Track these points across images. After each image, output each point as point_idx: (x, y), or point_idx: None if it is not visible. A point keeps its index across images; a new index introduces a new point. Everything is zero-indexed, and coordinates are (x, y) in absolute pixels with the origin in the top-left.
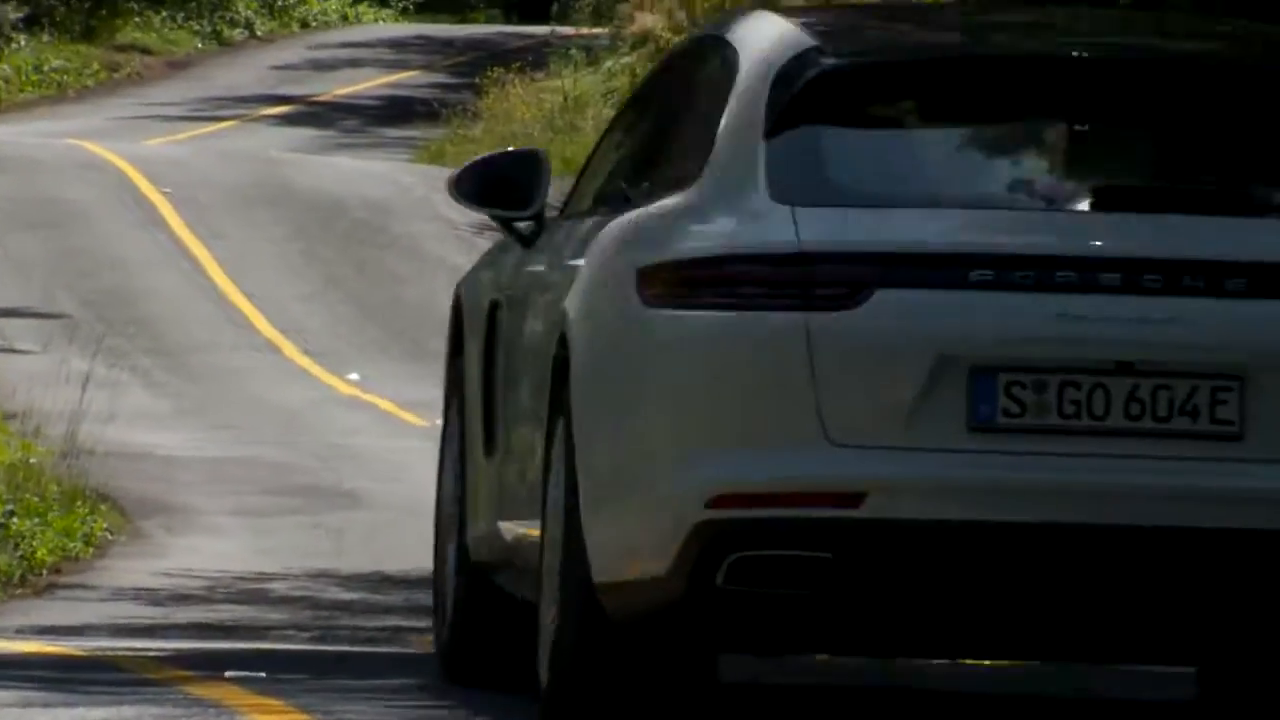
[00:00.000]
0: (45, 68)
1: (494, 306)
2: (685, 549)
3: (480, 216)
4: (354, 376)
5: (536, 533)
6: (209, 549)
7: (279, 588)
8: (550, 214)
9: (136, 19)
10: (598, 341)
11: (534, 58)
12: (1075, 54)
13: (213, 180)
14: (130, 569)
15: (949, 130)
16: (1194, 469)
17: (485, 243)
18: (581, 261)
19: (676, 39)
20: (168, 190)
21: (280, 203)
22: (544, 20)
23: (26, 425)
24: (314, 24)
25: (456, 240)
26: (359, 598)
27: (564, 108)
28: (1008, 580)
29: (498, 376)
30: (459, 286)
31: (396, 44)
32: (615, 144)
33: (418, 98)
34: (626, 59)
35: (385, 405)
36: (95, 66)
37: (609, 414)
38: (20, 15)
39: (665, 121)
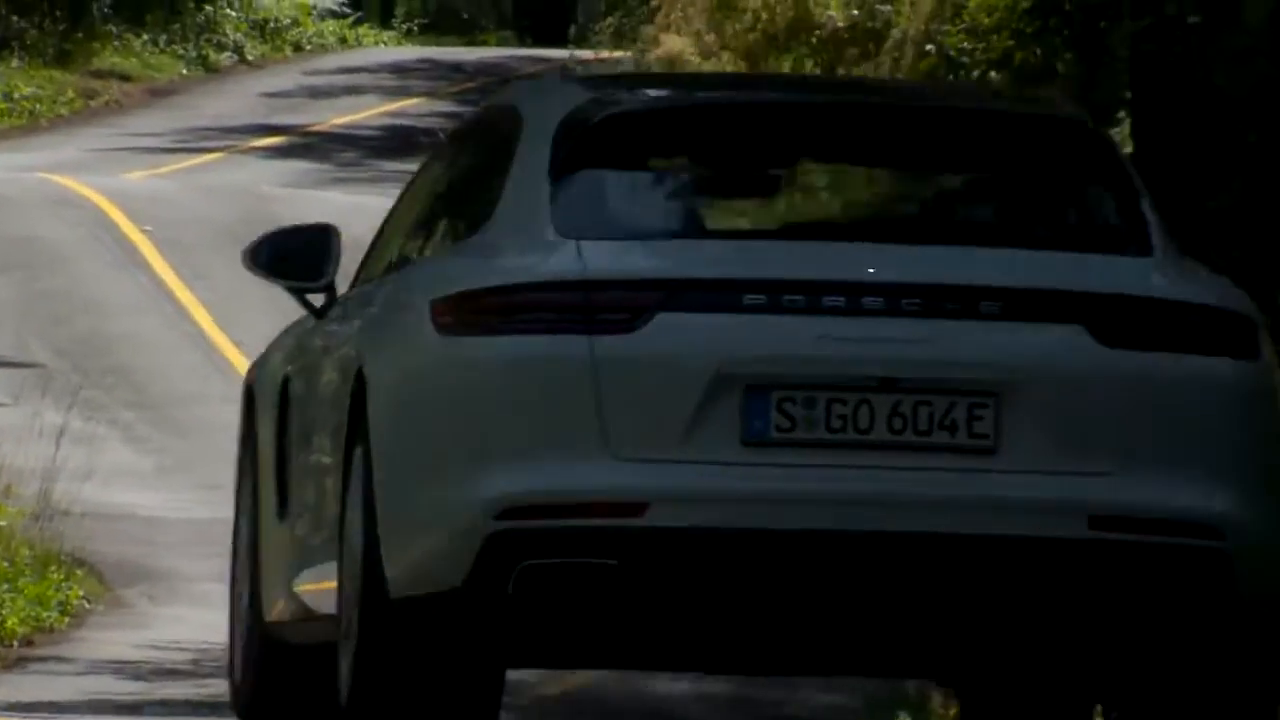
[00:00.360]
0: (15, 95)
1: (285, 380)
2: (478, 560)
3: None
4: None
5: (333, 580)
6: (195, 618)
7: None
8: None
9: (115, 43)
10: (394, 370)
11: None
12: (834, 100)
13: (198, 217)
14: (109, 640)
15: (721, 169)
16: (952, 479)
17: None
18: (375, 309)
19: (706, 64)
20: (149, 228)
21: None
22: (561, 43)
23: None
24: (309, 47)
25: None
26: None
27: None
28: (782, 586)
29: (290, 441)
30: (249, 373)
31: (399, 69)
32: (404, 215)
33: (421, 128)
34: None
35: None
36: (70, 94)
37: (405, 436)
38: None
39: (456, 185)
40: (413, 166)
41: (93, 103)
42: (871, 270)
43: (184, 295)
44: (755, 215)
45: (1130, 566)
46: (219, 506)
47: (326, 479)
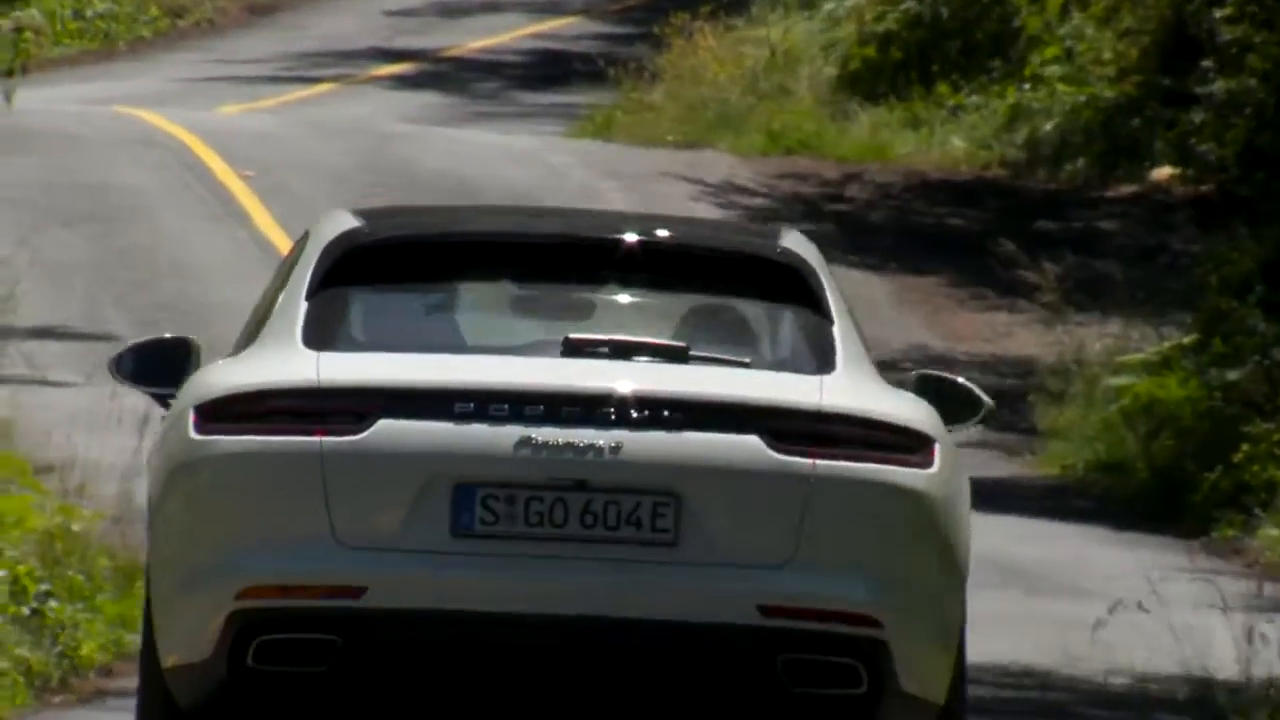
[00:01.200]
0: (88, 13)
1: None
2: (223, 634)
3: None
4: None
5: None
6: None
7: None
8: None
9: None
10: (163, 463)
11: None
12: (552, 234)
13: (308, 160)
14: None
15: (447, 292)
16: (636, 569)
17: None
18: (170, 410)
19: None
20: (249, 173)
21: (397, 190)
22: None
23: (67, 481)
24: None
25: None
26: None
27: (771, 65)
28: (481, 662)
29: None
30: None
31: None
32: (254, 308)
33: (577, 52)
34: (851, 0)
35: None
36: (153, 12)
37: (169, 526)
38: None
39: (257, 303)
40: (569, 99)
41: (180, 22)
42: (568, 382)
43: None
44: (479, 333)
45: (796, 651)
46: None
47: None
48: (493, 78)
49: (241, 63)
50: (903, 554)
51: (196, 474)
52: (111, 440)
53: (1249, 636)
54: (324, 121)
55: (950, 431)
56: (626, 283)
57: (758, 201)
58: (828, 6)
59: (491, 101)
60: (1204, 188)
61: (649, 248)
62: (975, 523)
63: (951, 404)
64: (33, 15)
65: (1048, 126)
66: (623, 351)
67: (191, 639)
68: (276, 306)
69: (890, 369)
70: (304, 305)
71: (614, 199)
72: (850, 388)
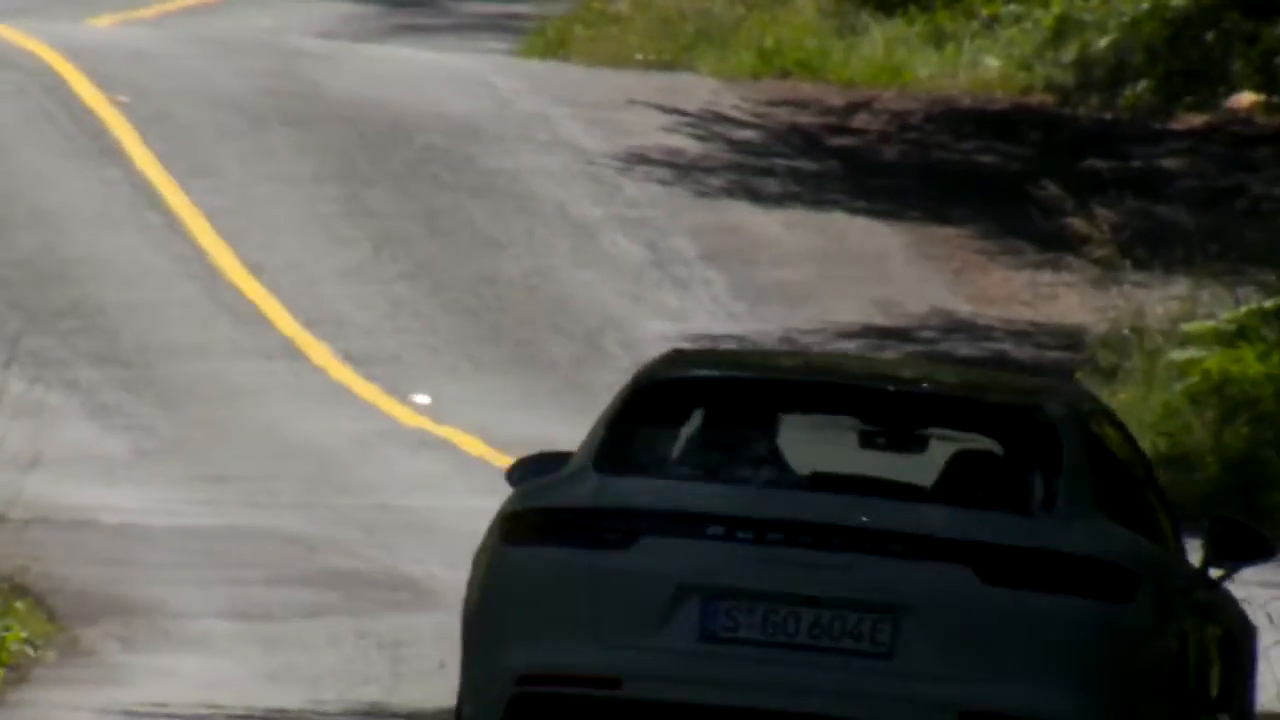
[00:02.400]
0: None
1: None
2: (505, 713)
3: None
4: (422, 399)
5: None
6: (190, 672)
7: None
8: None
9: None
10: (479, 566)
11: None
12: (819, 381)
13: (196, 84)
14: (63, 703)
15: (715, 429)
16: (855, 675)
17: (630, 182)
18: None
19: None
20: (124, 100)
21: (306, 122)
22: None
23: None
24: None
25: (588, 180)
26: None
27: None
28: None
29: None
30: None
31: None
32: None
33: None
34: None
35: (470, 444)
36: None
37: (471, 616)
38: None
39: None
40: (515, 9)
41: None
42: (805, 514)
43: (177, 200)
44: (733, 465)
45: None
46: (225, 510)
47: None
48: None
49: None
50: (1097, 679)
51: (495, 578)
52: None
53: None
54: (216, 37)
55: (1238, 568)
56: (893, 426)
57: (745, 134)
58: None
59: (421, 11)
60: None
61: (907, 397)
62: None
63: (1241, 545)
64: None
65: (1101, 43)
66: (863, 486)
67: (483, 709)
68: (589, 437)
69: (906, 338)
70: (603, 432)
71: (571, 130)
72: (1061, 528)
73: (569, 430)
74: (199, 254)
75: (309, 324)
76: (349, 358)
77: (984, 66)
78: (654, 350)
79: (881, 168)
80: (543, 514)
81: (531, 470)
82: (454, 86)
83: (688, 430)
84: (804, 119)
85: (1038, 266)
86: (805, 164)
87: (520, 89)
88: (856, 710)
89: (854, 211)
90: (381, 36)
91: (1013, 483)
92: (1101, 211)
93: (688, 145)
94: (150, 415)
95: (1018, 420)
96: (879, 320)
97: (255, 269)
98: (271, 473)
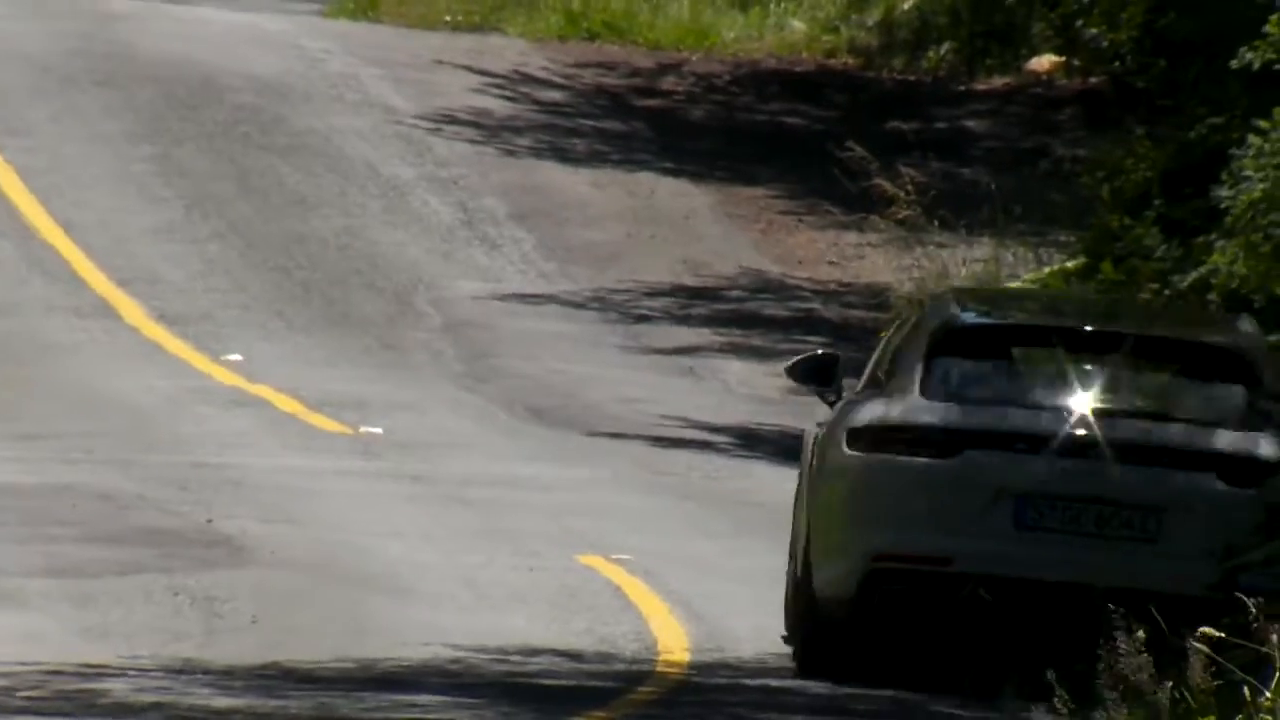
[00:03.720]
0: None
1: (814, 439)
2: (861, 583)
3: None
4: (235, 357)
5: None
6: (4, 627)
7: (117, 689)
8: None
9: None
10: (822, 468)
11: None
12: (1101, 329)
13: (6, 45)
14: None
15: (1015, 362)
16: (1130, 556)
17: (440, 142)
18: (831, 425)
19: None
20: None
21: (117, 81)
22: None
23: None
24: None
25: (398, 140)
26: (243, 705)
27: None
28: (1023, 607)
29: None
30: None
31: None
32: (881, 345)
33: None
34: None
35: (283, 402)
36: None
37: (826, 507)
38: None
39: (882, 355)
40: None
41: None
42: (1091, 433)
43: None
44: (1042, 394)
45: (1228, 610)
46: (40, 467)
47: (802, 517)
48: None
49: None
50: None
51: (845, 476)
52: None
53: None
54: None
55: None
56: (1132, 363)
57: (553, 95)
58: None
59: None
60: (1093, 80)
61: (1150, 341)
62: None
63: None
64: None
65: (905, 5)
66: (1128, 413)
67: (840, 578)
68: (901, 366)
69: (715, 298)
70: (919, 365)
71: (381, 91)
72: (1274, 440)
73: (382, 388)
74: (11, 212)
75: (122, 283)
76: (162, 316)
77: (789, 29)
78: (465, 310)
79: (689, 129)
80: (888, 430)
81: (812, 367)
82: (264, 47)
83: (983, 365)
84: (611, 81)
85: (844, 227)
86: (613, 125)
87: (330, 49)
88: (1132, 582)
89: (662, 172)
90: None
91: (1232, 405)
92: (906, 173)
93: (496, 106)
94: None
95: (1225, 356)
96: (688, 280)
97: (68, 227)
98: (85, 430)
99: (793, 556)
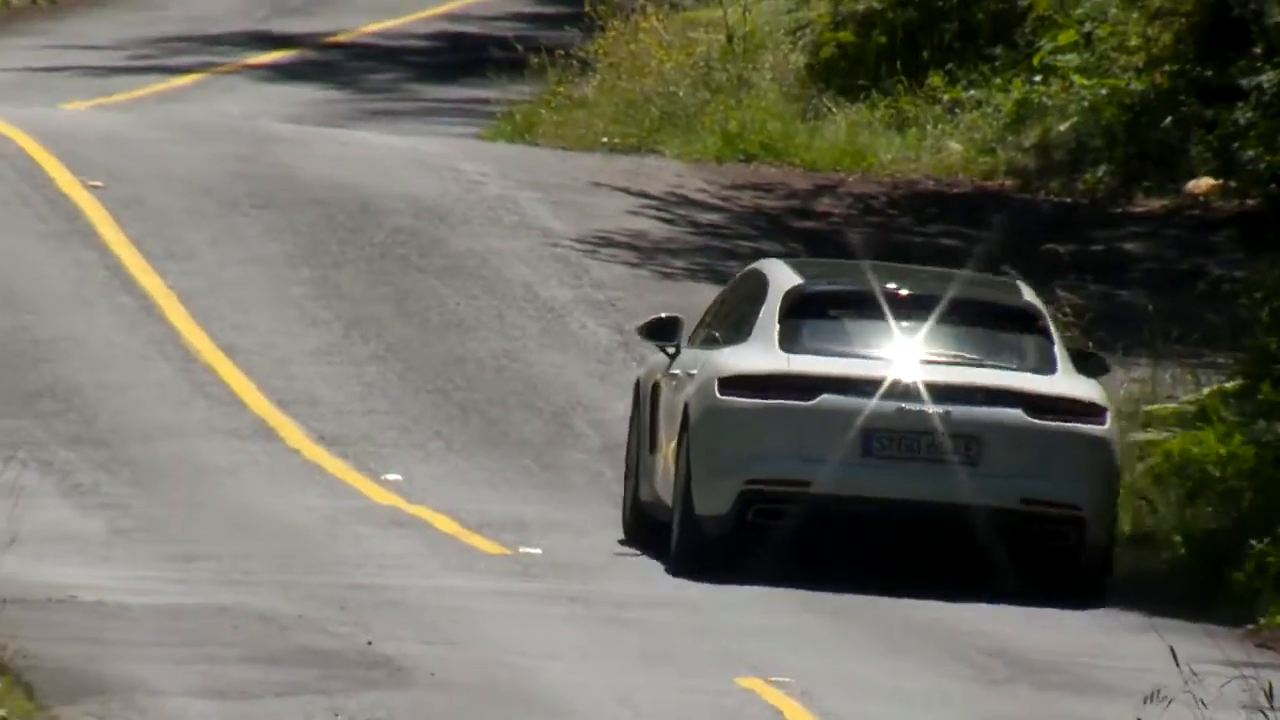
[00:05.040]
0: None
1: (655, 384)
2: (735, 502)
3: (587, 230)
4: (394, 477)
5: (671, 483)
6: None
7: None
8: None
9: None
10: (700, 408)
11: None
12: (910, 293)
13: (169, 168)
14: None
15: (858, 322)
16: (957, 476)
17: (597, 264)
18: (696, 373)
19: None
20: (98, 184)
21: (276, 204)
22: None
23: None
24: None
25: (555, 262)
26: None
27: (727, 53)
28: (869, 524)
29: (659, 416)
30: (640, 374)
31: None
32: (714, 309)
33: (492, 37)
34: None
35: (442, 522)
36: None
37: (702, 442)
38: None
39: (731, 312)
40: (483, 94)
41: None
42: (923, 377)
43: (150, 282)
44: (879, 347)
45: (1039, 522)
46: (199, 588)
47: (673, 445)
48: (390, 67)
49: (88, 49)
50: (1093, 474)
51: (721, 416)
52: None
53: None
54: (187, 121)
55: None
56: (946, 321)
57: (710, 217)
58: None
59: (389, 96)
60: (1250, 202)
61: (957, 302)
62: (969, 609)
63: (1091, 365)
64: None
65: (1062, 127)
66: (949, 360)
67: (718, 501)
68: (758, 322)
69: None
70: (777, 325)
71: (538, 213)
72: (1065, 381)
73: (541, 509)
74: (173, 335)
75: (282, 404)
76: (321, 438)
77: (946, 151)
78: (622, 431)
79: (845, 250)
80: (753, 378)
81: (657, 326)
82: (422, 170)
83: (829, 324)
84: (768, 202)
85: None
86: (770, 246)
87: (488, 172)
88: (959, 498)
89: None
90: (350, 121)
91: (1027, 354)
92: (1063, 294)
93: (653, 228)
94: (126, 495)
95: (1019, 314)
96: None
97: (228, 350)
98: (245, 551)
99: (628, 475)
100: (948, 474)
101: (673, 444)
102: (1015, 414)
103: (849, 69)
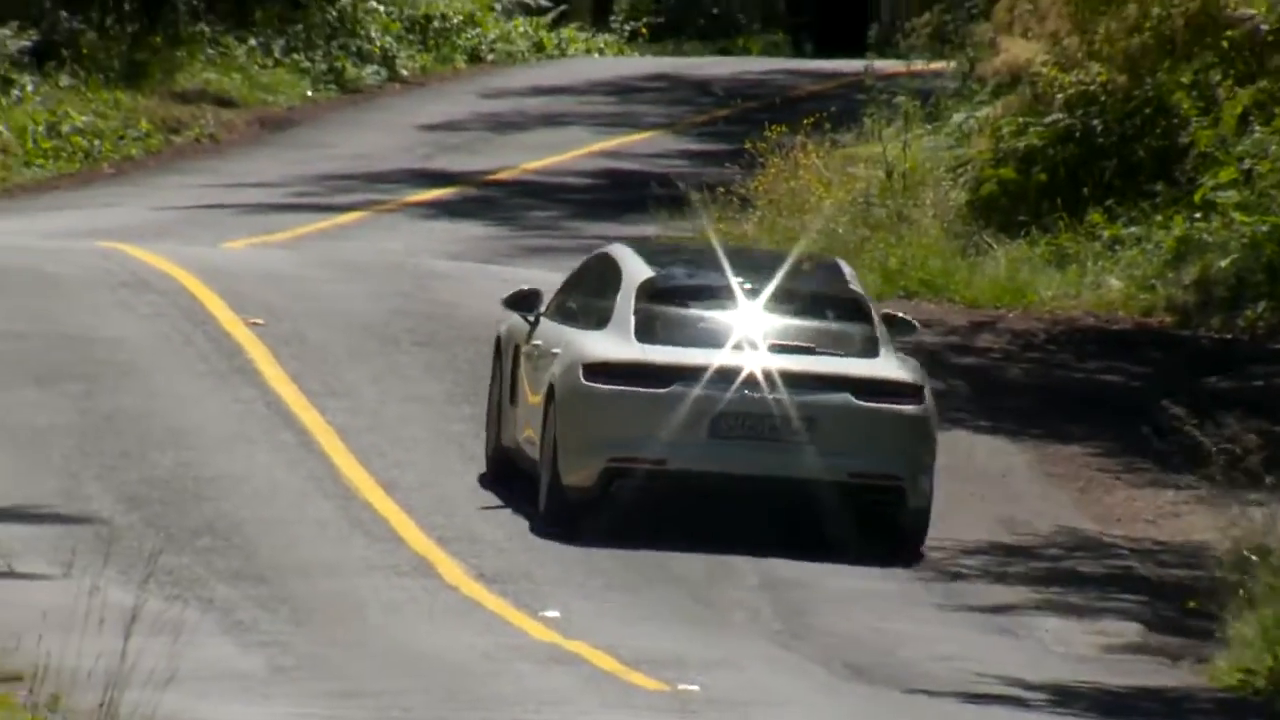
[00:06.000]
0: (64, 128)
1: (517, 347)
2: (599, 476)
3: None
4: (552, 613)
5: (535, 437)
6: None
7: None
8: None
9: (209, 51)
10: (565, 388)
11: (840, 109)
12: (762, 286)
13: (329, 305)
14: None
15: (707, 313)
16: (794, 454)
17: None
18: (561, 354)
19: (1067, 81)
20: (259, 321)
21: (437, 342)
22: (855, 52)
23: (38, 693)
24: (490, 57)
25: None
26: None
27: (887, 189)
28: (718, 496)
29: (521, 376)
30: (500, 330)
31: (621, 88)
32: (568, 287)
33: (653, 174)
34: (985, 109)
35: (601, 659)
36: (144, 126)
37: (569, 421)
38: (26, 44)
39: (582, 291)
40: (645, 229)
41: (176, 138)
42: (765, 365)
43: (311, 419)
44: (724, 336)
45: (865, 492)
46: None
47: (537, 407)
48: (551, 205)
49: (250, 187)
50: (912, 448)
51: (587, 401)
52: (91, 642)
53: None
54: (348, 258)
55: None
56: (783, 311)
57: None
58: (956, 118)
59: (550, 233)
60: None
61: (793, 294)
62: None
63: (899, 327)
64: None
65: (1222, 264)
66: (786, 348)
67: (584, 474)
68: (616, 313)
69: (1031, 555)
70: (632, 317)
71: None
72: (886, 366)
73: (699, 645)
74: (332, 472)
75: (441, 541)
76: (481, 575)
77: (1106, 287)
78: (782, 568)
79: (1006, 387)
80: (612, 365)
81: (520, 298)
82: None
83: (681, 314)
84: (929, 339)
85: (1161, 485)
86: (931, 383)
87: None
88: (796, 473)
89: (978, 430)
90: (510, 258)
91: (852, 340)
92: (1223, 431)
93: None
94: (286, 631)
95: (846, 303)
96: (1005, 538)
97: (388, 486)
98: (405, 688)
99: (489, 424)
100: (786, 452)
101: (537, 400)
102: (844, 397)
103: (1009, 205)
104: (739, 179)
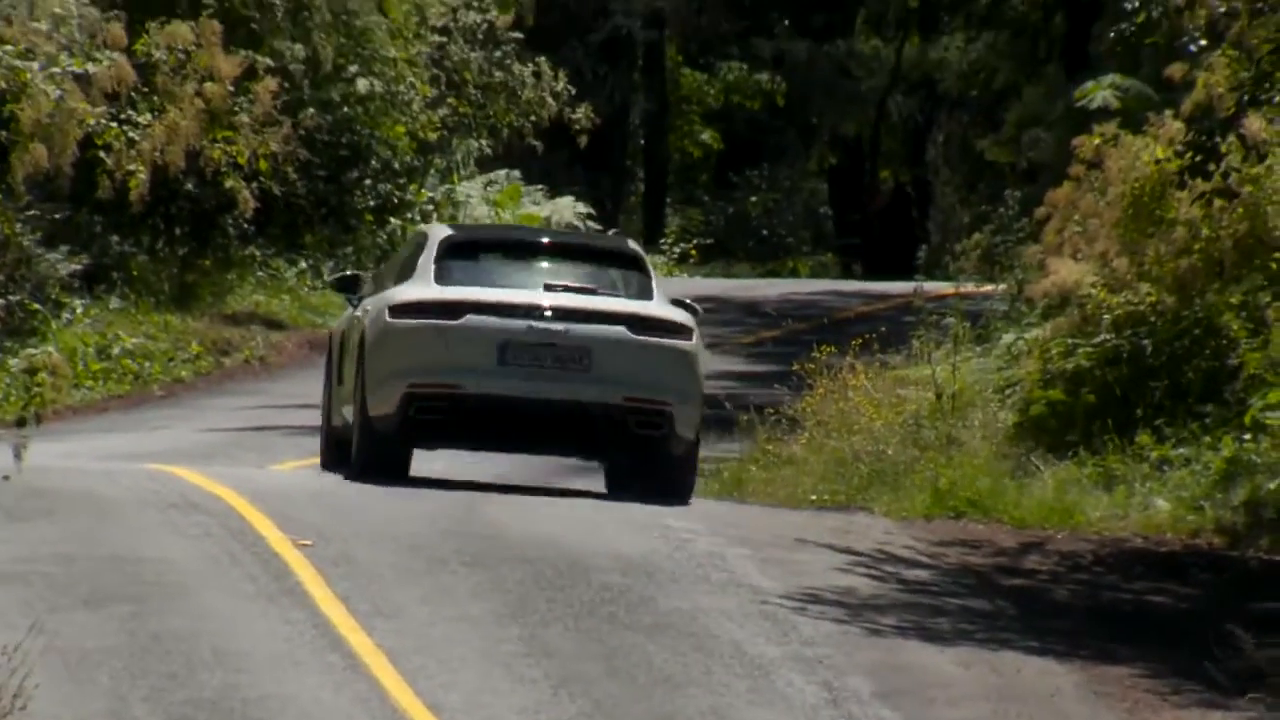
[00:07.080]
0: (115, 350)
1: (343, 333)
2: (400, 401)
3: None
4: None
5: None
6: None
7: None
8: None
9: (259, 274)
10: (375, 333)
11: (889, 330)
12: (537, 242)
13: (379, 526)
14: None
15: (494, 262)
16: (574, 380)
17: (805, 621)
18: (371, 309)
19: (1116, 302)
20: (308, 542)
21: (485, 562)
22: (904, 273)
23: None
24: None
25: (762, 619)
26: None
27: (936, 410)
28: (506, 420)
29: (342, 357)
30: (332, 330)
31: None
32: (386, 267)
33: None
34: (1035, 331)
35: None
36: (194, 349)
37: (377, 357)
38: (77, 268)
39: (396, 264)
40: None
41: (226, 360)
42: (546, 301)
43: (359, 640)
44: (507, 280)
45: (636, 415)
46: None
47: (351, 372)
48: None
49: (299, 408)
50: (680, 378)
51: (389, 335)
52: None
53: None
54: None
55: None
56: (567, 261)
57: (918, 574)
58: (1005, 340)
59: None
60: None
61: (576, 248)
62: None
63: (686, 308)
64: (49, 354)
65: (1271, 485)
66: (568, 289)
67: (387, 402)
68: (419, 264)
69: None
70: (433, 265)
71: (746, 570)
72: (658, 307)
73: None
74: (380, 694)
75: None
76: None
77: (1154, 508)
78: None
79: (1053, 608)
80: (414, 304)
81: (344, 281)
82: (630, 528)
83: (476, 263)
84: (976, 559)
85: (1211, 706)
86: (978, 604)
87: (696, 529)
88: (576, 397)
89: (1026, 650)
90: (557, 479)
91: (630, 286)
92: (1274, 653)
93: (861, 584)
94: None
95: (625, 257)
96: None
97: (435, 708)
98: None
99: (324, 414)
100: (567, 378)
101: (352, 373)
102: (620, 330)
103: (1058, 427)
104: (788, 401)
